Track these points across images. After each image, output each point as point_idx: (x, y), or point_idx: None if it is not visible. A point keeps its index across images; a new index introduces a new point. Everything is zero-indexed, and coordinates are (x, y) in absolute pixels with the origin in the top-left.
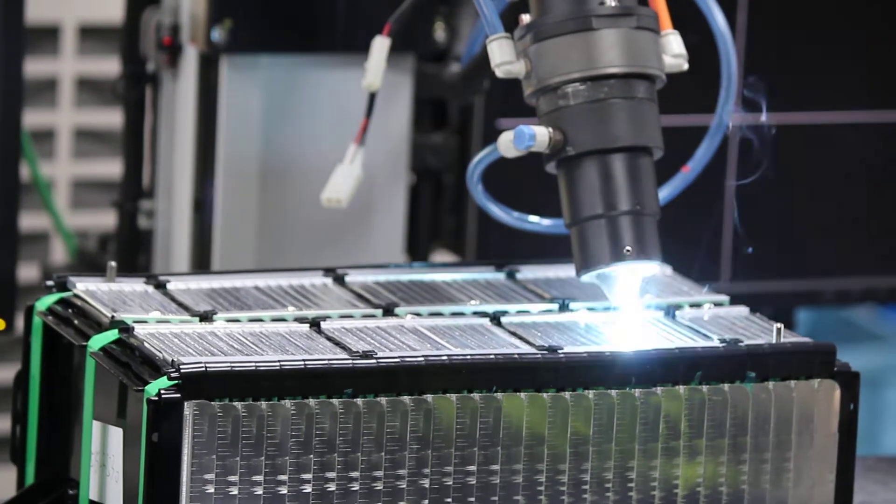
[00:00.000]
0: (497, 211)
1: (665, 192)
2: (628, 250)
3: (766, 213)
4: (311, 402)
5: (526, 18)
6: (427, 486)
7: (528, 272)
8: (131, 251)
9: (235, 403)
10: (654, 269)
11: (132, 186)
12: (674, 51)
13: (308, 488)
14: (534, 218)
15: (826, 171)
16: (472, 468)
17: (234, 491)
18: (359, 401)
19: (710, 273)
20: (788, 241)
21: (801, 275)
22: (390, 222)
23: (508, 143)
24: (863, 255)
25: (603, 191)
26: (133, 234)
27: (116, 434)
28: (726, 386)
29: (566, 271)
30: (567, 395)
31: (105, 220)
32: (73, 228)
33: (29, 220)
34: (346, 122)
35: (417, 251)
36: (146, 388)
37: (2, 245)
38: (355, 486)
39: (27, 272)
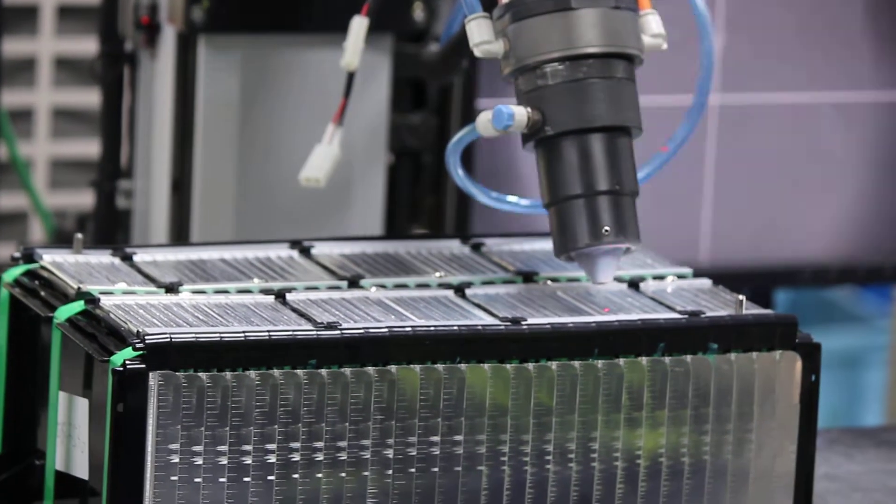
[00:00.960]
0: (475, 191)
1: (644, 172)
2: (607, 230)
3: (746, 193)
4: (276, 372)
5: None
6: (391, 456)
7: (493, 245)
8: (109, 231)
9: (200, 374)
10: (633, 248)
11: (110, 166)
12: (652, 30)
13: (272, 458)
14: (512, 198)
15: (805, 151)
16: (436, 438)
17: (199, 461)
18: (323, 371)
19: (687, 252)
20: (766, 221)
21: (779, 255)
22: (369, 202)
23: (487, 123)
24: (841, 236)
25: (581, 171)
26: (111, 214)
27: (82, 405)
28: (689, 357)
29: (531, 244)
30: (530, 366)
31: (83, 199)
32: (51, 208)
33: (7, 200)
34: (324, 102)
35: (396, 231)
36: (111, 358)
37: None
38: (319, 456)
39: (4, 251)
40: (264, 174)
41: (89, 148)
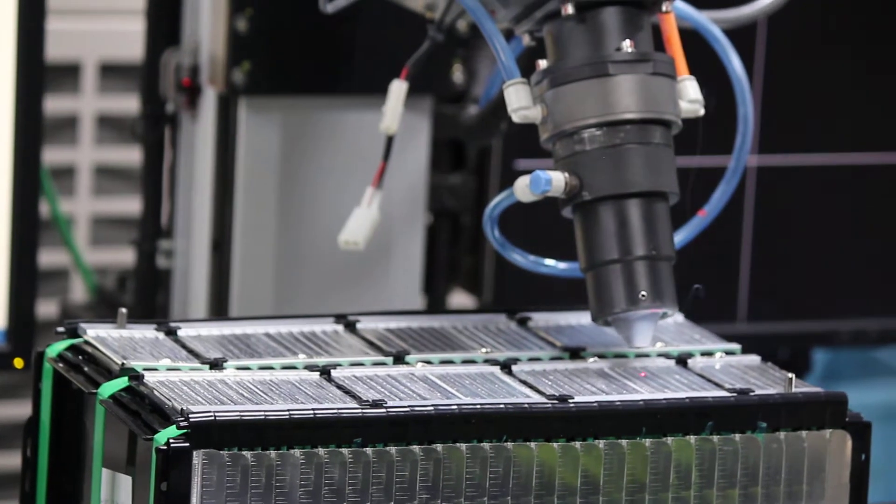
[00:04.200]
0: (513, 255)
1: (681, 236)
2: (643, 295)
3: (783, 254)
4: (321, 451)
5: (542, 64)
6: None
7: (539, 319)
8: (150, 290)
9: (244, 452)
10: (670, 313)
11: (151, 226)
12: (690, 96)
13: None
14: (550, 261)
15: (844, 211)
16: None
17: None
18: (368, 450)
19: (725, 314)
20: (804, 281)
21: (818, 315)
22: (407, 263)
23: (524, 188)
24: (880, 296)
25: (618, 236)
26: (151, 274)
27: (126, 482)
28: (737, 436)
29: (578, 318)
30: (577, 444)
31: (124, 257)
32: (92, 265)
33: (48, 257)
34: (363, 164)
35: (435, 292)
36: (155, 436)
37: (21, 282)
38: None
39: (46, 308)
40: (304, 235)
41: (131, 205)
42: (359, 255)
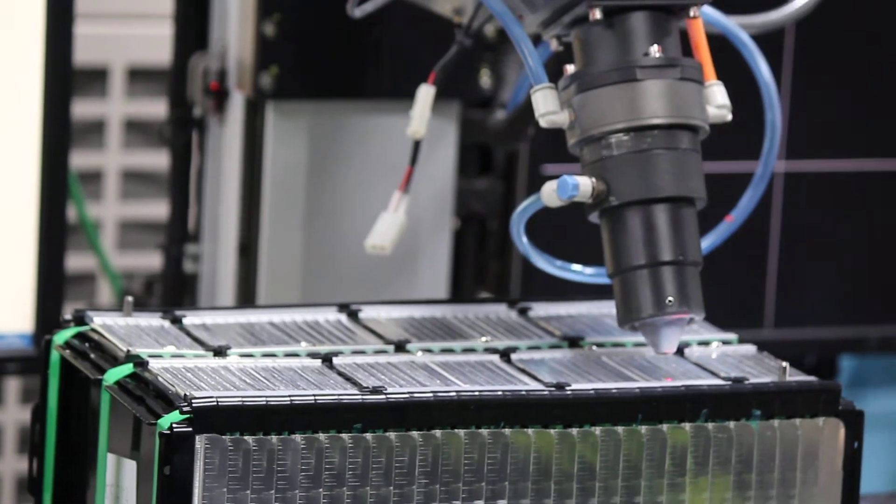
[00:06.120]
0: (540, 260)
1: (708, 242)
2: (670, 301)
3: (810, 260)
4: (321, 436)
5: (570, 69)
6: None
7: (539, 309)
8: (177, 295)
9: (246, 437)
10: (697, 319)
11: (178, 230)
12: (717, 101)
13: None
14: (577, 267)
15: (871, 216)
16: (480, 503)
17: None
18: (368, 436)
19: (752, 320)
20: (832, 287)
21: (845, 321)
22: (434, 267)
23: (552, 193)
24: None
25: (646, 241)
26: (178, 278)
27: (130, 467)
28: (732, 423)
29: (577, 308)
30: (574, 431)
31: (151, 261)
32: (119, 269)
33: (76, 261)
34: (391, 168)
35: (462, 296)
36: (158, 421)
37: (48, 286)
38: None
39: None
40: (331, 240)
41: (158, 209)
42: (386, 259)
